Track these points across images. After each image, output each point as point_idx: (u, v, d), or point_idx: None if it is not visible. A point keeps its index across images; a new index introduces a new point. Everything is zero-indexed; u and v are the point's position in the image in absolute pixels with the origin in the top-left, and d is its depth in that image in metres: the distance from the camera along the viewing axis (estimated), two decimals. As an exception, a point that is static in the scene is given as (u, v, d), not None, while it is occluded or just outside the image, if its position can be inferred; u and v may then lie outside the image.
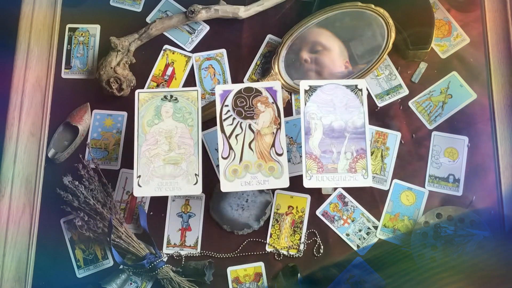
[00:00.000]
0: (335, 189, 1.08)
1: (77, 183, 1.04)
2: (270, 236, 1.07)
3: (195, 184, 0.99)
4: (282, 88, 1.04)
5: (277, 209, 1.08)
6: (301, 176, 0.99)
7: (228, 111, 1.00)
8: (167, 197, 1.09)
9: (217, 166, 1.09)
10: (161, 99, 1.03)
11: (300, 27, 1.12)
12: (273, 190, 1.09)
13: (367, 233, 1.07)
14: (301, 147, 1.00)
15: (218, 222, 1.08)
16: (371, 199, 1.08)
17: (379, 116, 1.13)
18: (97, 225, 1.03)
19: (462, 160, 1.10)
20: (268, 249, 1.07)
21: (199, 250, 1.07)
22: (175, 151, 1.00)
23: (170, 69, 1.17)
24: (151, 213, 1.09)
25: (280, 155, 0.98)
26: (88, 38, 1.20)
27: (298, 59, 1.13)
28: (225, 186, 0.97)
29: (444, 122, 1.12)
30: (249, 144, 0.99)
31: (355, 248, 1.06)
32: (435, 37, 1.15)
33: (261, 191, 1.08)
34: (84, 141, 1.13)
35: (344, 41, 1.12)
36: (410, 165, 1.10)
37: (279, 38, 1.16)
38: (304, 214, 1.08)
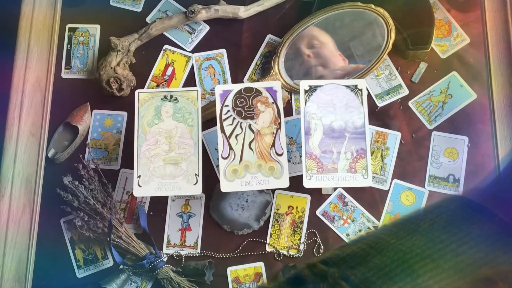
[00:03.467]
0: (335, 189, 1.08)
1: (77, 183, 1.04)
2: (270, 236, 1.07)
3: (195, 184, 0.99)
4: (282, 88, 1.04)
5: (277, 209, 1.08)
6: (301, 176, 0.99)
7: (228, 111, 1.00)
8: (167, 197, 1.09)
9: (217, 166, 1.09)
10: (161, 99, 1.03)
11: (300, 27, 1.12)
12: (273, 190, 1.09)
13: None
14: (301, 147, 1.00)
15: (218, 222, 1.08)
16: (371, 199, 1.08)
17: (379, 116, 1.12)
18: (97, 225, 1.03)
19: (462, 160, 1.10)
20: (268, 249, 1.07)
21: (199, 250, 1.07)
22: (175, 151, 1.00)
23: (170, 69, 1.17)
24: (151, 213, 1.09)
25: (280, 155, 0.98)
26: (88, 38, 1.20)
27: (300, 56, 1.12)
28: (225, 186, 0.97)
29: (444, 122, 1.12)
30: (249, 144, 0.99)
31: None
32: (435, 37, 1.15)
33: (261, 191, 1.08)
34: (84, 141, 1.13)
35: (333, 35, 1.12)
36: (410, 165, 1.10)
37: (279, 38, 1.16)
38: (304, 214, 1.08)
